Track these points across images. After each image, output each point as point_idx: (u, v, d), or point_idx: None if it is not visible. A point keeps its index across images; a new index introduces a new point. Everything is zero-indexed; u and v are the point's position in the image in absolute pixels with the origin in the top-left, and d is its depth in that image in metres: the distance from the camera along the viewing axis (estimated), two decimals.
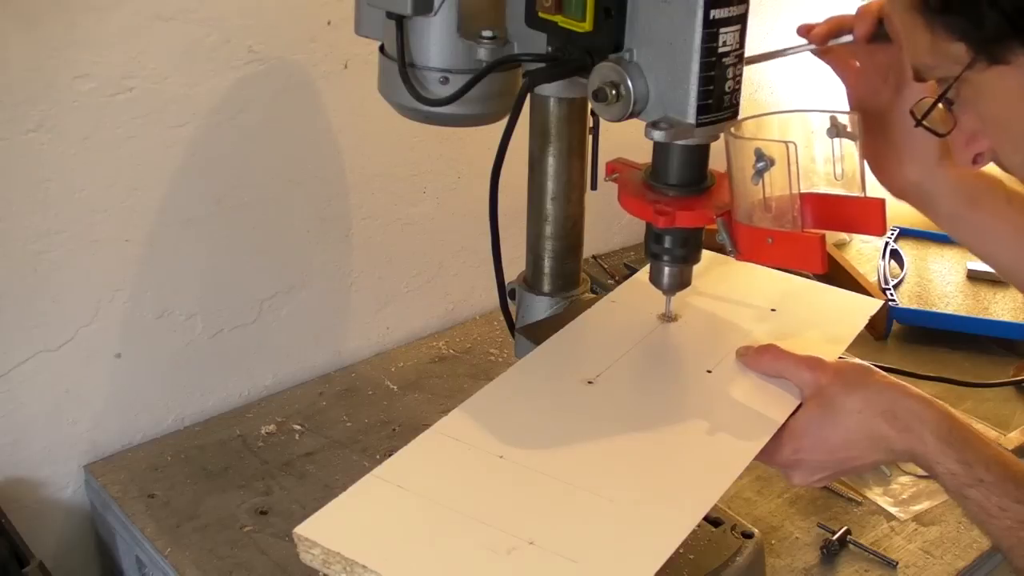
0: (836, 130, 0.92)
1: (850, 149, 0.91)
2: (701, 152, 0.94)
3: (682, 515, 0.81)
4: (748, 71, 0.91)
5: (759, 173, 0.87)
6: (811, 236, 0.89)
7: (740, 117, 0.90)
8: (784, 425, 0.92)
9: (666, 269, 1.00)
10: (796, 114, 0.92)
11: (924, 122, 0.84)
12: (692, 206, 0.93)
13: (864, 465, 0.95)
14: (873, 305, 1.13)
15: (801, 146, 0.88)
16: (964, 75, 0.78)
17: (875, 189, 0.93)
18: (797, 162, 0.86)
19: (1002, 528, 0.88)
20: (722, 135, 0.89)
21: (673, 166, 0.93)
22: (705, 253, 1.00)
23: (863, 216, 0.94)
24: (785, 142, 0.86)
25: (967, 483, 0.88)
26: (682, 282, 1.01)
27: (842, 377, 0.93)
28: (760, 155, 0.86)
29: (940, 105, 0.83)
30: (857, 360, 0.97)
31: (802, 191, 0.89)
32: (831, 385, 0.92)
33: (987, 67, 0.76)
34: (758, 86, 1.87)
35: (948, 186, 1.00)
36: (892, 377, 0.94)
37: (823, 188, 0.93)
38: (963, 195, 1.01)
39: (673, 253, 0.98)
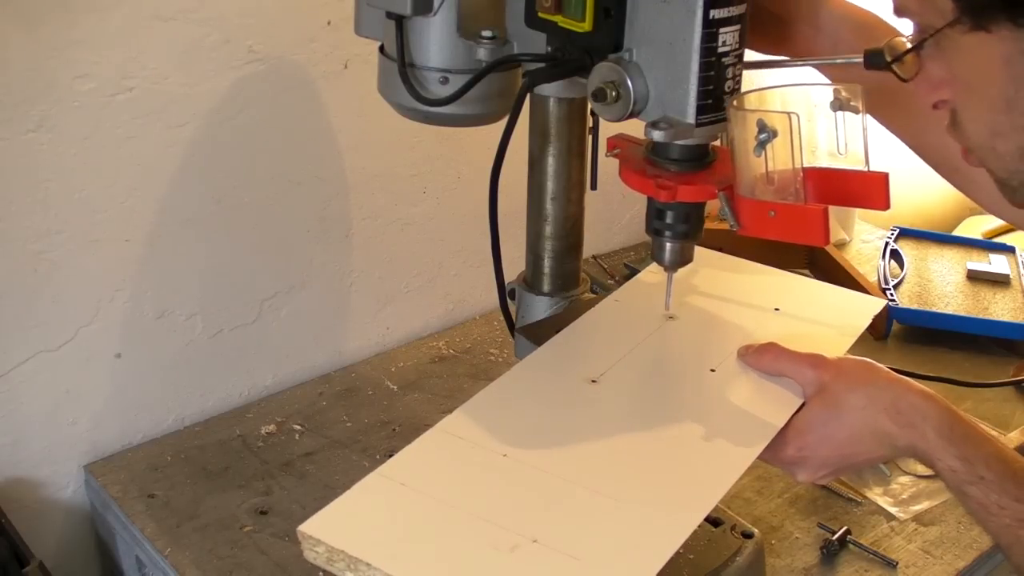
0: (840, 103, 0.90)
1: (854, 122, 0.91)
2: None
3: (685, 514, 0.81)
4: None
5: (761, 144, 0.85)
6: (813, 208, 0.87)
7: (743, 90, 0.89)
8: (788, 423, 0.92)
9: (668, 245, 0.98)
10: (799, 87, 0.91)
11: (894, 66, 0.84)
12: (694, 180, 0.92)
13: (868, 460, 0.95)
14: (876, 304, 1.13)
15: (804, 120, 0.87)
16: (944, 30, 0.78)
17: (879, 163, 0.92)
18: (800, 133, 0.85)
19: (1001, 526, 0.88)
20: None
21: (675, 144, 0.92)
22: (710, 253, 0.99)
23: (867, 190, 0.92)
24: (788, 113, 0.85)
25: (967, 480, 0.88)
26: (683, 259, 1.00)
27: (845, 374, 0.93)
28: (763, 126, 0.85)
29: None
30: (859, 357, 0.96)
31: (805, 165, 0.88)
32: (834, 382, 0.92)
33: (968, 30, 0.76)
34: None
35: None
36: (894, 372, 0.94)
37: (826, 163, 0.92)
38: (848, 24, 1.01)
39: (675, 229, 0.97)
